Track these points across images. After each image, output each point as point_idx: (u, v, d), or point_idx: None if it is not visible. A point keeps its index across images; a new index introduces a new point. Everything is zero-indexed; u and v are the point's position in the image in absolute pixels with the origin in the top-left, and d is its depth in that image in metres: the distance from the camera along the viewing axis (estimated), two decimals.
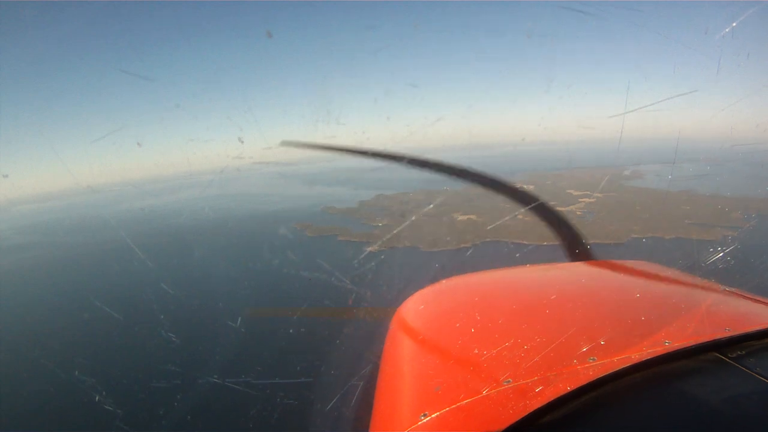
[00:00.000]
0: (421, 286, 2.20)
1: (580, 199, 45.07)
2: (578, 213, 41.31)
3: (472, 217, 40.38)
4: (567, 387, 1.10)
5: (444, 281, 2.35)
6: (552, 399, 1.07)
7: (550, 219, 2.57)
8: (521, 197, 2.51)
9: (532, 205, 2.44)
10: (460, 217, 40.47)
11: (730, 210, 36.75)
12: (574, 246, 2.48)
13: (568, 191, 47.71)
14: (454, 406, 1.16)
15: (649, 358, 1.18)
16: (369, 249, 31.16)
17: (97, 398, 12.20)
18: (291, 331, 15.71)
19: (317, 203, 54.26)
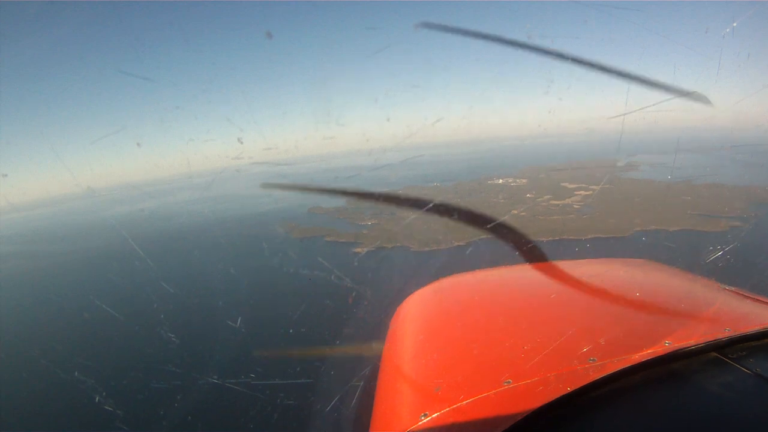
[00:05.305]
0: (417, 288, 2.19)
1: (576, 192, 44.34)
2: (576, 207, 40.60)
3: None
4: (567, 388, 1.10)
5: (443, 280, 2.35)
6: (552, 399, 1.07)
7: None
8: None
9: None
10: None
11: (731, 200, 36.27)
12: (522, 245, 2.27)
13: (563, 184, 47.13)
14: (454, 406, 1.16)
15: (649, 358, 1.18)
16: (356, 250, 30.86)
17: (96, 399, 12.19)
18: (291, 331, 15.71)
19: (305, 203, 53.88)
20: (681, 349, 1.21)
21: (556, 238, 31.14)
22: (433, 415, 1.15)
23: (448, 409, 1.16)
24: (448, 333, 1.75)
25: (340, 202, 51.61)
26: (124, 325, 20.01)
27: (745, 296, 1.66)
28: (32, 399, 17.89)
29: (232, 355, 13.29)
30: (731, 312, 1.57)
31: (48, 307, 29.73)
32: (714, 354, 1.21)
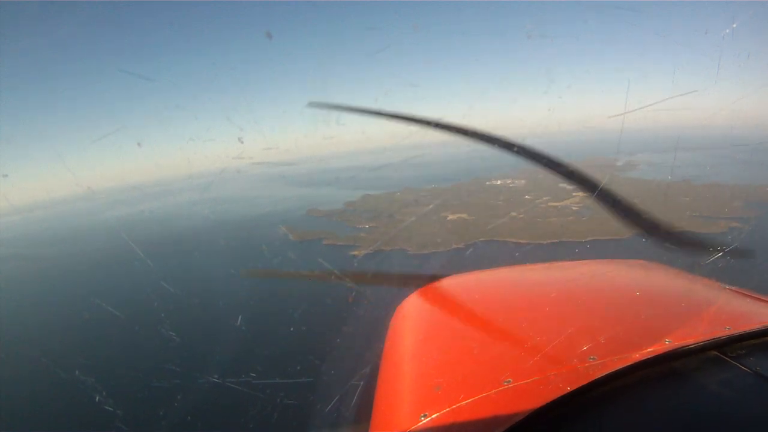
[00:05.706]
0: (416, 289, 2.19)
1: (575, 193, 44.15)
2: (574, 208, 40.40)
3: (463, 215, 39.76)
4: (567, 386, 1.10)
5: (443, 281, 2.35)
6: (552, 399, 1.07)
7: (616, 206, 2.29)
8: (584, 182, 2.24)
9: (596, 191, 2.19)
10: (451, 216, 39.73)
11: (730, 200, 36.12)
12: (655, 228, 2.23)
13: (562, 185, 46.92)
14: (454, 406, 1.16)
15: (649, 356, 1.18)
16: (354, 253, 30.73)
17: (97, 398, 12.19)
18: (291, 329, 15.73)
19: (304, 205, 53.71)
20: (681, 348, 1.21)
21: (555, 241, 30.96)
22: (433, 415, 1.15)
23: (448, 409, 1.16)
24: (448, 332, 1.76)
25: (338, 204, 51.71)
26: (125, 324, 20.04)
27: (745, 295, 1.66)
28: (32, 399, 17.90)
29: (232, 355, 13.30)
30: (731, 311, 1.57)
31: (49, 307, 29.79)
32: (714, 352, 1.21)
